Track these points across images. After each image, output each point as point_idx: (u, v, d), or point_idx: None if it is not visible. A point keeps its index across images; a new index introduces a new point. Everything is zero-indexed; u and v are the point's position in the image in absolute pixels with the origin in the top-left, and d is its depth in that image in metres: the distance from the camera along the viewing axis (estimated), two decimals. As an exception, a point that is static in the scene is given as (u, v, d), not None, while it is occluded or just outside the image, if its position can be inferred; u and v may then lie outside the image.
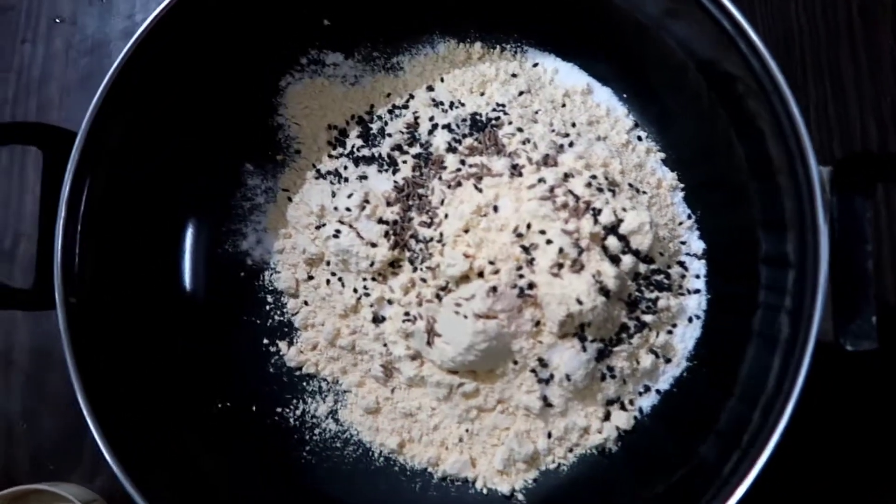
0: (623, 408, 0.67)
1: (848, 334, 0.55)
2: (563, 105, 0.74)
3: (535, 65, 0.76)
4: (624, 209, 0.66)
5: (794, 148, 0.56)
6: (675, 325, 0.68)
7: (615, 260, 0.65)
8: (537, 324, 0.64)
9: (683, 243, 0.70)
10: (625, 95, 0.75)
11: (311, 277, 0.73)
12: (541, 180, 0.66)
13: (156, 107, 0.69)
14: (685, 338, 0.69)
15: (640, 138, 0.74)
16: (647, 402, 0.68)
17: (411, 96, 0.76)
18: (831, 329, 0.56)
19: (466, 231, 0.66)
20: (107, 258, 0.66)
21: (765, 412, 0.57)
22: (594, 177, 0.67)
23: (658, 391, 0.68)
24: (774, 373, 0.58)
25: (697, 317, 0.69)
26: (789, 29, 0.79)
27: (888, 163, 0.55)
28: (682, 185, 0.72)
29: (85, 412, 0.59)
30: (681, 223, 0.71)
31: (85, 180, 0.63)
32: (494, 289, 0.64)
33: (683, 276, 0.69)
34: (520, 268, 0.64)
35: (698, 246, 0.70)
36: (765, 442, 0.55)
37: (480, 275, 0.65)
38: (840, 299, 0.56)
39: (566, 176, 0.66)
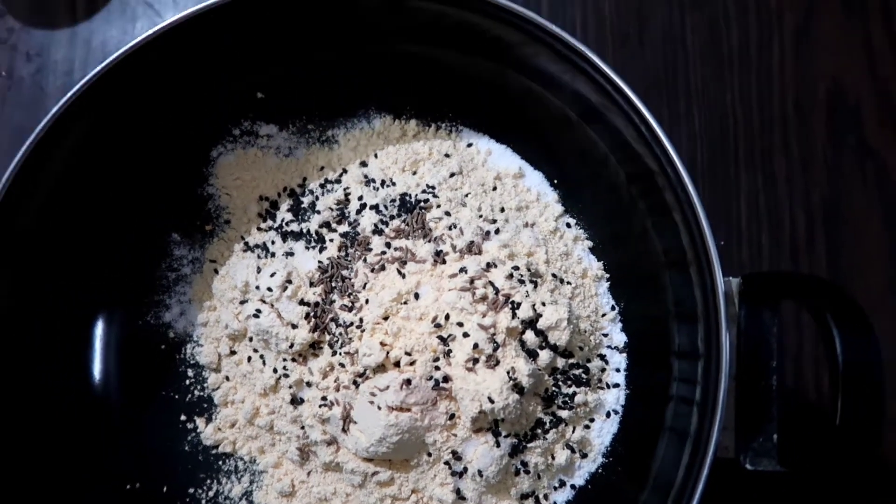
0: (537, 503, 0.67)
1: (748, 452, 0.55)
2: (494, 188, 0.74)
3: (469, 145, 0.76)
4: (543, 303, 0.65)
5: (704, 266, 0.57)
6: (592, 420, 0.68)
7: (532, 355, 0.65)
8: (452, 417, 0.64)
9: (606, 335, 0.70)
10: (556, 181, 0.75)
11: (233, 352, 0.72)
12: (462, 270, 0.66)
13: (80, 172, 0.68)
14: (602, 433, 0.68)
15: (568, 225, 0.74)
16: (562, 497, 0.68)
17: (344, 170, 0.75)
18: (732, 446, 0.56)
19: (386, 318, 0.66)
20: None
21: (675, 504, 0.57)
22: (516, 268, 0.66)
23: (573, 486, 0.68)
24: (684, 465, 0.59)
25: (616, 412, 0.69)
26: (724, 119, 0.79)
27: (795, 282, 0.55)
28: (607, 276, 0.72)
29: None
30: (604, 315, 0.71)
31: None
32: (409, 381, 0.63)
33: (603, 370, 0.69)
34: (437, 359, 0.64)
35: (620, 339, 0.70)
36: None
37: (397, 364, 0.65)
38: (743, 415, 0.56)
39: (488, 265, 0.66)
